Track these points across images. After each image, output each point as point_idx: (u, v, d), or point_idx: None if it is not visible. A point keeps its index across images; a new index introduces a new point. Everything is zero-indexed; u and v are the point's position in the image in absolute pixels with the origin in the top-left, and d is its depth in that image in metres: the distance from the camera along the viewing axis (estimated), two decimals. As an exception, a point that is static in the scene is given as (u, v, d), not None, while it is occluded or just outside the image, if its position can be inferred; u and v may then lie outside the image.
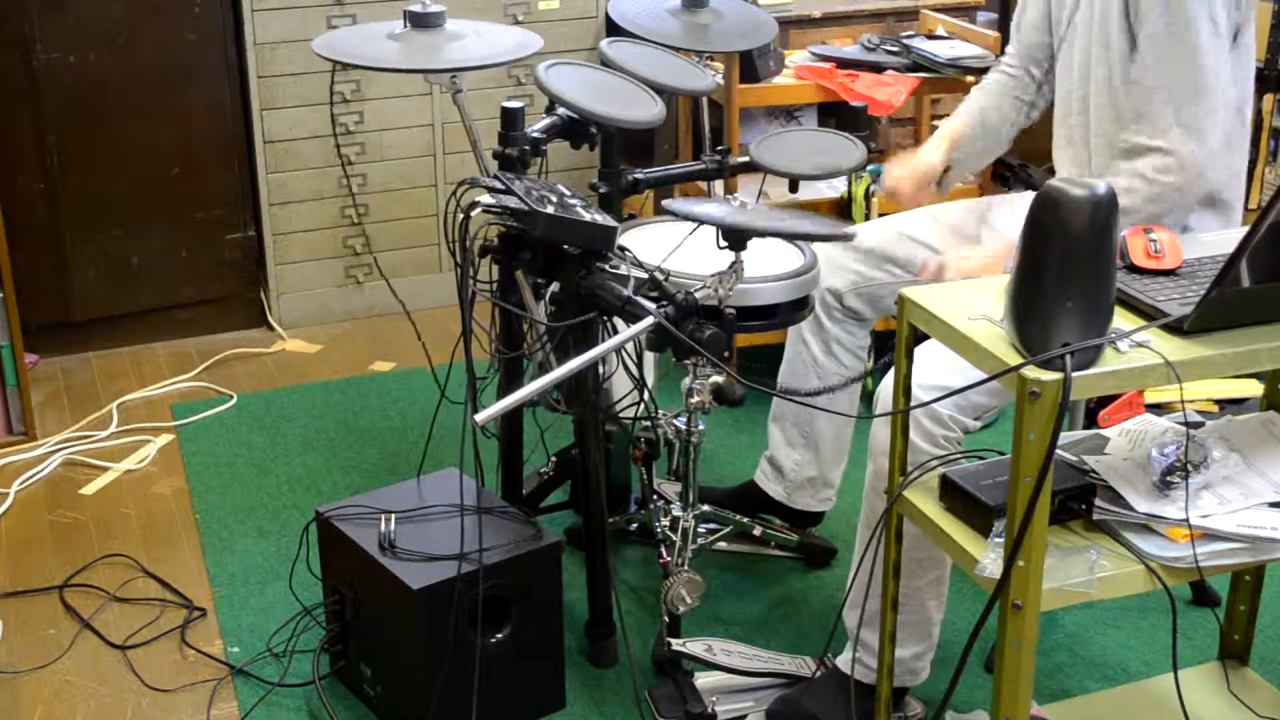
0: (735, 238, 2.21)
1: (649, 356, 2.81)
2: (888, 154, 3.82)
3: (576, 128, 2.70)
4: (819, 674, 2.49)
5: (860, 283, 2.69)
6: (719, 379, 2.48)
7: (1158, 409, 2.37)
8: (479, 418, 2.09)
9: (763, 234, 2.24)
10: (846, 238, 2.41)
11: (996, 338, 1.79)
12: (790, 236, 2.48)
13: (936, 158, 2.68)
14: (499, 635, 2.40)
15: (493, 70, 2.95)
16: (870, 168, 2.81)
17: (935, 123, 3.29)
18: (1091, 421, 2.63)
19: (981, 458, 2.05)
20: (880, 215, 2.83)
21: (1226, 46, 2.27)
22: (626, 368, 2.51)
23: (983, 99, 2.71)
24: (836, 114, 3.74)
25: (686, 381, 2.49)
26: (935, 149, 2.70)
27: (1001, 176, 4.31)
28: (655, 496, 2.83)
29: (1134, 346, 1.76)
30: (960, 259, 2.40)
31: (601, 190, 2.78)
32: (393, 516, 2.45)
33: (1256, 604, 2.41)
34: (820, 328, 2.74)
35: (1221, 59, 2.26)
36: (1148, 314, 1.84)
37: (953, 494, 1.94)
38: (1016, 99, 2.68)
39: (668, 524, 2.72)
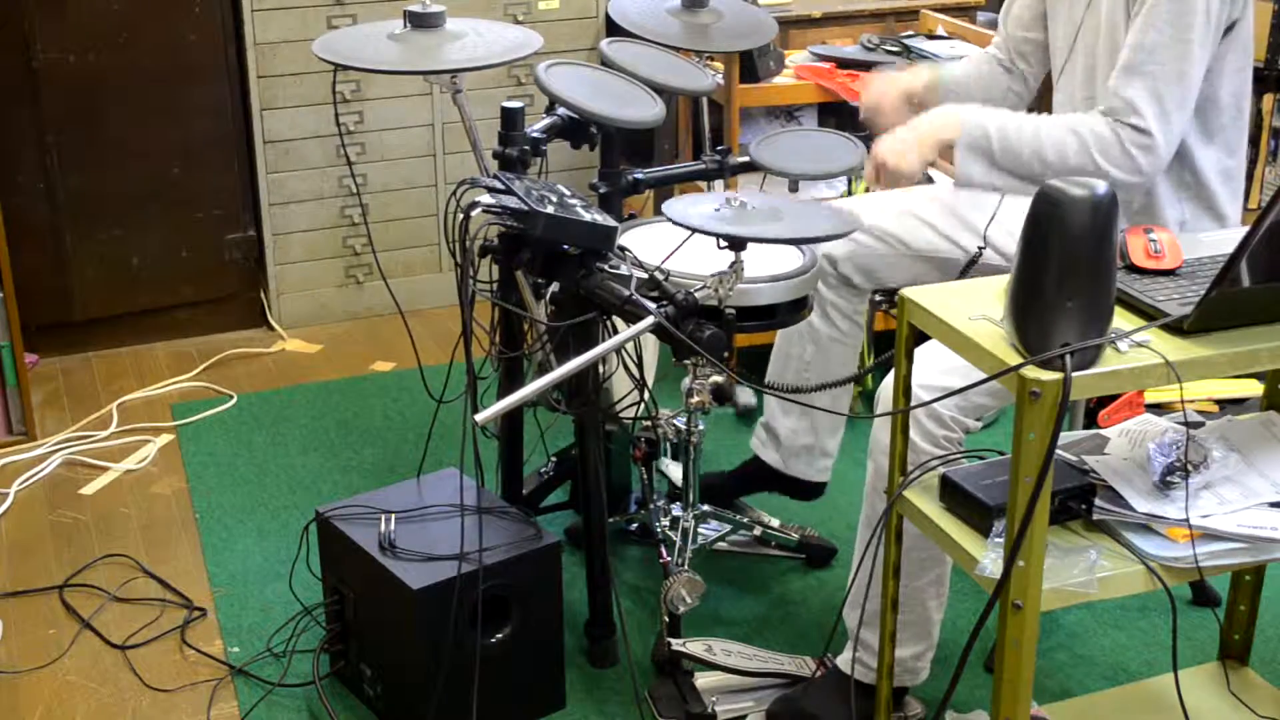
0: (735, 239, 2.21)
1: (649, 356, 2.81)
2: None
3: (576, 128, 2.70)
4: (819, 674, 2.49)
5: (858, 251, 2.68)
6: (719, 379, 2.48)
7: (1158, 409, 2.37)
8: (479, 418, 2.09)
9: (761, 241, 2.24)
10: (846, 234, 2.41)
11: (996, 338, 1.79)
12: (791, 242, 2.47)
13: (918, 80, 2.77)
14: (499, 635, 2.40)
15: (493, 70, 2.95)
16: None
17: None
18: (1091, 421, 2.63)
19: (981, 458, 2.04)
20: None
21: (1213, 39, 2.27)
22: (626, 368, 2.51)
23: (975, 68, 2.78)
24: (836, 114, 3.76)
25: (686, 381, 2.49)
26: (917, 75, 2.79)
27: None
28: (655, 495, 2.83)
29: (1134, 346, 1.76)
30: (890, 141, 2.46)
31: (601, 190, 2.78)
32: (393, 516, 2.45)
33: (1256, 604, 2.41)
34: (815, 291, 2.73)
35: (1206, 50, 2.26)
36: (1148, 314, 1.84)
37: (952, 494, 1.94)
38: (1007, 86, 2.74)
39: (668, 524, 2.72)
